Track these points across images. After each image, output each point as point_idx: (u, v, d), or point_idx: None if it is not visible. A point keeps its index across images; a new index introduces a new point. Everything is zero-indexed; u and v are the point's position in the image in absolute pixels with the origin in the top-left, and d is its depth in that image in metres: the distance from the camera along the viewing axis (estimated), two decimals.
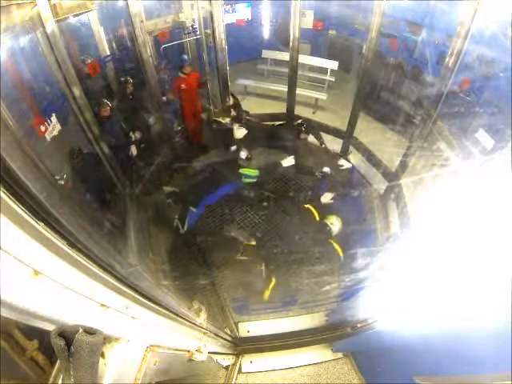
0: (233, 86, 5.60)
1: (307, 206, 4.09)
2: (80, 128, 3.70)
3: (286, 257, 3.73)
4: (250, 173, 4.56)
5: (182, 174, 5.29)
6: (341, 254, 3.67)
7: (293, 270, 3.70)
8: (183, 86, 4.95)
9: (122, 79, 4.65)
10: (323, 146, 5.30)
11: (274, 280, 3.57)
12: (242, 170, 4.58)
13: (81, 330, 0.62)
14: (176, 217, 4.26)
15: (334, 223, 3.79)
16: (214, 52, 4.86)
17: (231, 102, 5.30)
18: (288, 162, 4.56)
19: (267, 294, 3.53)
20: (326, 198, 4.23)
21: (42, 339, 0.91)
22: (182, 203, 4.39)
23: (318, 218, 3.97)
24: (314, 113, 6.77)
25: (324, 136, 5.54)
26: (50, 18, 2.94)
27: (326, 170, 4.58)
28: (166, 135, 5.30)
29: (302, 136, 4.96)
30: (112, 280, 0.81)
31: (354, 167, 4.94)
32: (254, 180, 4.52)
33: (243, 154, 4.66)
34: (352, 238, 3.92)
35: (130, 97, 4.70)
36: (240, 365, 2.93)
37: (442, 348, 1.41)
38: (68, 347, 0.59)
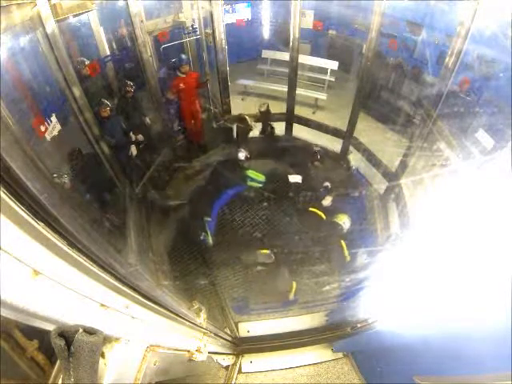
0: (233, 85, 5.59)
1: (312, 209, 4.12)
2: (80, 128, 3.70)
3: (295, 257, 3.77)
4: (257, 177, 4.55)
5: (183, 175, 5.30)
6: (348, 258, 3.69)
7: (307, 270, 3.75)
8: (182, 85, 4.95)
9: (127, 82, 4.64)
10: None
11: (295, 284, 3.58)
12: (248, 173, 4.57)
13: (81, 330, 0.62)
14: (201, 231, 4.15)
15: (346, 222, 3.81)
16: (214, 52, 4.85)
17: (263, 108, 5.29)
18: (294, 178, 4.55)
19: (291, 297, 3.56)
20: (327, 201, 4.29)
21: (42, 339, 0.91)
22: (196, 215, 4.34)
23: (324, 217, 3.99)
24: (314, 113, 6.77)
25: (324, 136, 5.54)
26: (49, 17, 2.93)
27: (327, 184, 4.62)
28: (166, 135, 5.30)
29: (316, 163, 4.92)
30: (112, 280, 0.81)
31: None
32: (260, 185, 4.52)
33: (242, 155, 4.67)
34: (352, 238, 3.93)
35: (130, 100, 4.70)
36: (240, 365, 2.94)
37: (441, 348, 1.41)
38: (68, 347, 0.59)
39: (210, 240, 4.02)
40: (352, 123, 4.95)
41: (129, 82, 4.59)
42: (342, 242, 3.74)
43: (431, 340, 1.49)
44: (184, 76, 4.95)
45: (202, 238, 4.00)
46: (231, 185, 4.53)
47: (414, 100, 5.37)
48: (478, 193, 1.23)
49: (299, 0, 4.32)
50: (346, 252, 3.68)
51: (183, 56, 5.04)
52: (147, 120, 5.04)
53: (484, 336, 1.10)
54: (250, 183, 4.53)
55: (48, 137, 3.31)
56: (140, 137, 4.78)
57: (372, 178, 4.98)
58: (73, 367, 0.59)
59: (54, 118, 3.41)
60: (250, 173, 4.58)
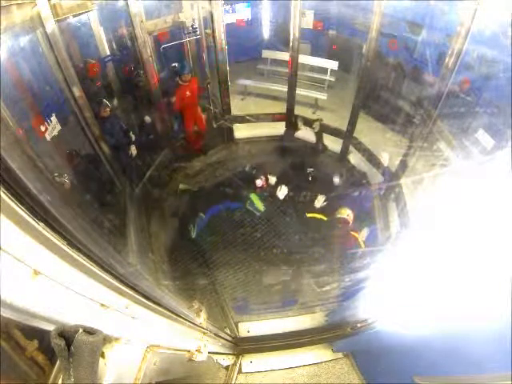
0: (233, 85, 5.59)
1: (309, 214, 4.13)
2: (80, 128, 3.70)
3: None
4: (257, 205, 4.34)
5: (183, 174, 5.30)
6: (359, 239, 3.74)
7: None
8: (188, 93, 4.93)
9: (139, 71, 4.77)
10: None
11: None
12: (252, 196, 4.39)
13: (81, 330, 0.61)
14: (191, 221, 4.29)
15: (350, 214, 3.79)
16: (214, 52, 4.86)
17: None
18: (283, 193, 4.30)
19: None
20: (319, 201, 4.18)
21: (41, 339, 0.91)
22: (194, 207, 4.40)
23: (325, 218, 4.00)
24: (314, 113, 6.76)
25: (324, 136, 5.53)
26: (49, 17, 2.93)
27: (310, 170, 4.65)
28: (166, 135, 5.29)
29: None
30: (112, 280, 0.81)
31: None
32: (256, 213, 4.33)
33: (259, 183, 4.51)
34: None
35: (142, 89, 4.81)
36: (240, 365, 2.93)
37: (441, 348, 1.41)
38: (68, 347, 0.59)
39: (194, 234, 4.17)
40: (352, 123, 4.95)
41: (141, 72, 4.66)
42: (353, 233, 3.73)
43: (431, 340, 1.49)
44: (186, 84, 4.92)
45: (190, 228, 4.18)
46: (232, 199, 4.52)
47: (414, 100, 5.37)
48: (478, 193, 1.23)
49: (299, 0, 4.32)
50: (362, 243, 3.67)
51: (185, 63, 5.03)
52: (149, 120, 5.06)
53: (484, 336, 1.10)
54: (247, 206, 4.35)
55: (48, 137, 3.31)
56: (147, 118, 4.93)
57: (372, 178, 4.98)
58: (73, 367, 0.59)
59: (54, 118, 3.41)
60: (253, 196, 4.40)
